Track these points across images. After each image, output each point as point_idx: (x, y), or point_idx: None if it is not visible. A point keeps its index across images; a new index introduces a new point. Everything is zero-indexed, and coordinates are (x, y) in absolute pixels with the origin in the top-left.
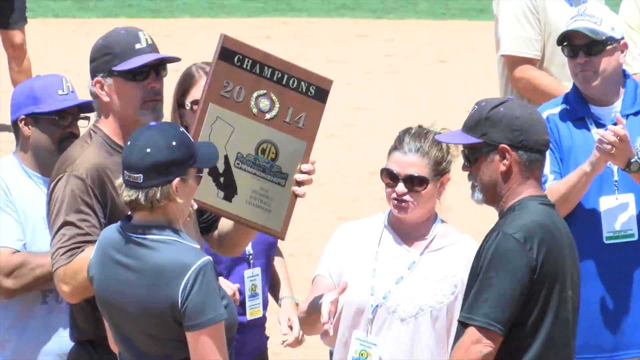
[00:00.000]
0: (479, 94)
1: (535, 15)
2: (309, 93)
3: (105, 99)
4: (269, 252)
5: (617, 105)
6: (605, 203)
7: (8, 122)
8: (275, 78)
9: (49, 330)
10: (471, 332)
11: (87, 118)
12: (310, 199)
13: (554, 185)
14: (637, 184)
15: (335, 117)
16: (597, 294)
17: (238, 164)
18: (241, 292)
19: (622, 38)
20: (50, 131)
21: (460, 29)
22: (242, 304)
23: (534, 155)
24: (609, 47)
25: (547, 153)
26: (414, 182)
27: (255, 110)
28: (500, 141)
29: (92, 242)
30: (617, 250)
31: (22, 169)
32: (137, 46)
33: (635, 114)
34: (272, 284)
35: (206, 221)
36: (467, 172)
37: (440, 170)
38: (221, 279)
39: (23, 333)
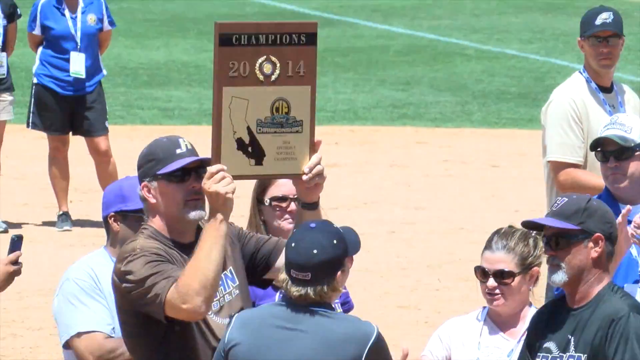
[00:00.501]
0: (528, 196)
1: (579, 125)
2: (301, 42)
3: (152, 200)
4: None
5: None
6: (629, 290)
7: (99, 218)
8: (269, 41)
9: None
10: None
11: None
12: (372, 289)
13: None
14: None
15: (396, 215)
16: None
17: (259, 129)
18: None
19: None
20: (136, 227)
21: (512, 137)
22: None
23: (613, 248)
24: (637, 153)
25: None
26: (503, 276)
27: (261, 77)
28: (596, 231)
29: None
30: None
31: (111, 261)
32: (178, 151)
33: None
34: None
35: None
36: (550, 255)
37: (527, 264)
38: None
39: None
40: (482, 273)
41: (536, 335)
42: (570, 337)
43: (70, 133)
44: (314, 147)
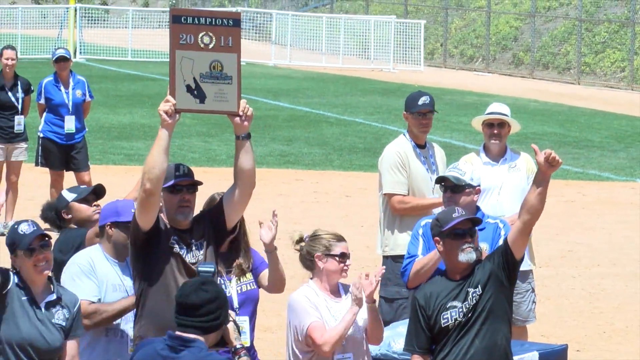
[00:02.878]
0: (370, 217)
1: (404, 169)
2: (229, 24)
3: (161, 204)
4: (254, 305)
5: None
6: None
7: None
8: (207, 22)
9: (108, 354)
10: None
11: None
12: None
13: (420, 260)
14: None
15: (280, 228)
16: None
17: (202, 80)
18: None
19: (479, 185)
20: (125, 232)
21: (359, 177)
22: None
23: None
24: (467, 190)
25: (421, 241)
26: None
27: (202, 45)
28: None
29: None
30: None
31: (104, 255)
32: (177, 173)
33: (481, 229)
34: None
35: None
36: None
37: None
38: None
39: (91, 354)
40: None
41: (435, 304)
42: (468, 289)
43: (65, 170)
44: (240, 94)
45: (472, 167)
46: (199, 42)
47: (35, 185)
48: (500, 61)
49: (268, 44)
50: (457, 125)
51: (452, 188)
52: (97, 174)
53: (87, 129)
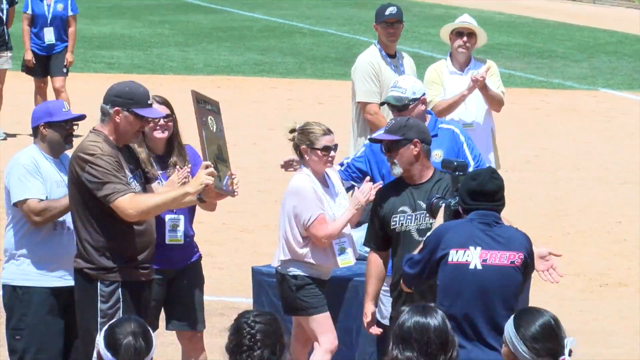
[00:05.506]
0: (342, 121)
1: (376, 78)
2: (216, 111)
3: (118, 121)
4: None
5: None
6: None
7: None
8: (210, 108)
9: (61, 246)
10: None
11: (77, 125)
12: None
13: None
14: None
15: (257, 133)
16: None
17: (217, 160)
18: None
19: (423, 94)
20: (59, 132)
21: (332, 86)
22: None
23: (429, 147)
24: (411, 105)
25: (361, 151)
26: None
27: (211, 128)
28: (414, 137)
29: (133, 192)
30: None
31: (41, 153)
32: (149, 102)
33: (434, 136)
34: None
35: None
36: (388, 157)
37: None
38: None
39: (43, 248)
40: None
41: (387, 205)
42: (419, 201)
43: (47, 77)
44: (232, 175)
45: (412, 80)
46: (209, 124)
47: (20, 92)
48: None
49: None
50: (426, 36)
51: (397, 108)
52: (78, 81)
53: (68, 42)
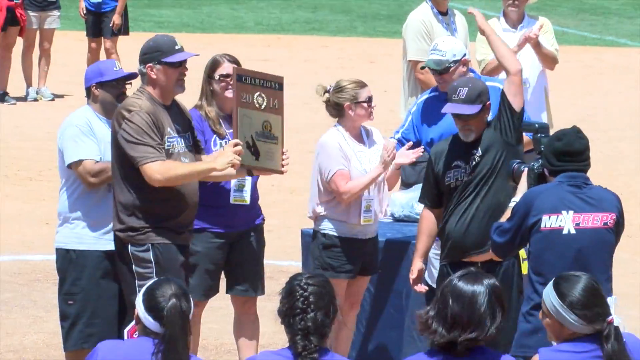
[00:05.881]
0: (394, 79)
1: (428, 36)
2: (275, 87)
3: (154, 76)
4: None
5: None
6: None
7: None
8: (260, 83)
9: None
10: None
11: (130, 84)
12: None
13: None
14: None
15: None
16: None
17: (257, 138)
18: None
19: (464, 56)
20: (112, 91)
21: (383, 44)
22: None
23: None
24: (452, 68)
25: (409, 120)
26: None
27: (257, 105)
28: (487, 101)
29: (163, 159)
30: None
31: (94, 114)
32: (176, 47)
33: None
34: None
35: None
36: (463, 125)
37: None
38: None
39: (99, 210)
40: None
41: (441, 162)
42: (472, 150)
43: (98, 37)
44: (282, 154)
45: (451, 41)
46: (255, 102)
47: (69, 51)
48: None
49: None
50: None
51: (438, 71)
52: (127, 41)
53: (118, 2)
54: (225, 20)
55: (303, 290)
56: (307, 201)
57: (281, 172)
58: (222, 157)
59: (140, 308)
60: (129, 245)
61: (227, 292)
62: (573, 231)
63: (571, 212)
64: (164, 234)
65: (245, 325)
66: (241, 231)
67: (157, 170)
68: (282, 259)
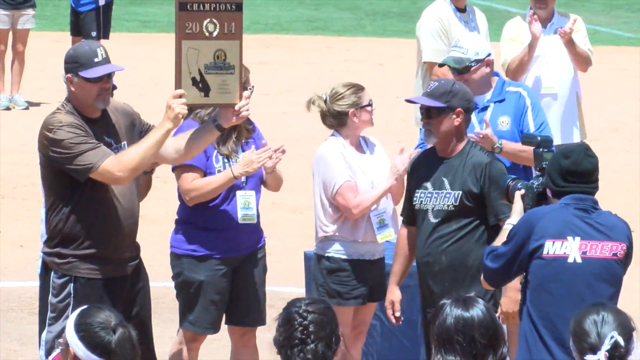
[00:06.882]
0: (406, 84)
1: (445, 35)
2: (232, 9)
3: (73, 89)
4: (258, 181)
5: (488, 95)
6: None
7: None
8: (211, 8)
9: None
10: None
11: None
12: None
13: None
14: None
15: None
16: None
17: (207, 71)
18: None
19: (488, 55)
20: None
21: (393, 44)
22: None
23: (469, 117)
24: (473, 67)
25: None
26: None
27: (207, 34)
28: (458, 106)
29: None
30: None
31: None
32: (96, 60)
33: (500, 101)
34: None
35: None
36: (425, 123)
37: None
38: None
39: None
40: None
41: (414, 178)
42: (444, 178)
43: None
44: (242, 84)
45: (475, 39)
46: (204, 30)
47: (44, 55)
48: None
49: None
50: None
51: (457, 70)
52: (110, 41)
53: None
54: None
55: (302, 319)
56: (310, 220)
57: (234, 105)
58: (167, 112)
59: (78, 347)
60: (52, 272)
61: (225, 323)
62: (579, 260)
63: (578, 238)
64: (91, 265)
65: (244, 358)
66: (245, 255)
67: (116, 166)
68: (284, 285)
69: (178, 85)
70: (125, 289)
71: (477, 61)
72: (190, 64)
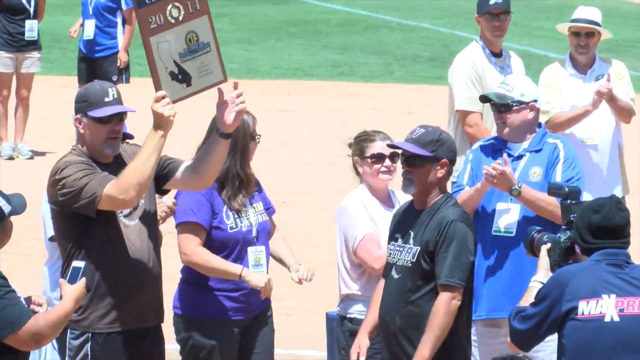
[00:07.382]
0: None
1: (478, 82)
2: None
3: (82, 131)
4: (267, 236)
5: (525, 144)
6: (500, 207)
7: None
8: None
9: None
10: None
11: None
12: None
13: (462, 193)
14: None
15: (334, 149)
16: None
17: (182, 60)
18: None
19: (534, 101)
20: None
21: (423, 91)
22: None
23: (452, 169)
24: (515, 107)
25: (468, 169)
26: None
27: (172, 20)
28: (444, 157)
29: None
30: (500, 241)
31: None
32: (106, 99)
33: (537, 151)
34: (278, 258)
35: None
36: (405, 171)
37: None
38: None
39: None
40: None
41: (390, 229)
42: (411, 231)
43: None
44: (221, 59)
45: (524, 80)
46: (169, 18)
47: (49, 101)
48: None
49: None
50: (538, 30)
51: (497, 107)
52: (131, 86)
53: (120, 47)
54: (237, 64)
55: None
56: (332, 279)
57: (225, 81)
58: (156, 119)
59: None
60: (68, 331)
61: None
62: (617, 318)
63: (613, 296)
64: (111, 317)
65: None
66: (254, 315)
67: (114, 190)
68: (304, 348)
69: (157, 86)
70: (145, 346)
71: (521, 102)
72: (163, 58)
